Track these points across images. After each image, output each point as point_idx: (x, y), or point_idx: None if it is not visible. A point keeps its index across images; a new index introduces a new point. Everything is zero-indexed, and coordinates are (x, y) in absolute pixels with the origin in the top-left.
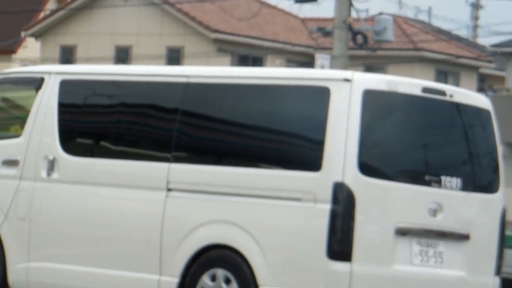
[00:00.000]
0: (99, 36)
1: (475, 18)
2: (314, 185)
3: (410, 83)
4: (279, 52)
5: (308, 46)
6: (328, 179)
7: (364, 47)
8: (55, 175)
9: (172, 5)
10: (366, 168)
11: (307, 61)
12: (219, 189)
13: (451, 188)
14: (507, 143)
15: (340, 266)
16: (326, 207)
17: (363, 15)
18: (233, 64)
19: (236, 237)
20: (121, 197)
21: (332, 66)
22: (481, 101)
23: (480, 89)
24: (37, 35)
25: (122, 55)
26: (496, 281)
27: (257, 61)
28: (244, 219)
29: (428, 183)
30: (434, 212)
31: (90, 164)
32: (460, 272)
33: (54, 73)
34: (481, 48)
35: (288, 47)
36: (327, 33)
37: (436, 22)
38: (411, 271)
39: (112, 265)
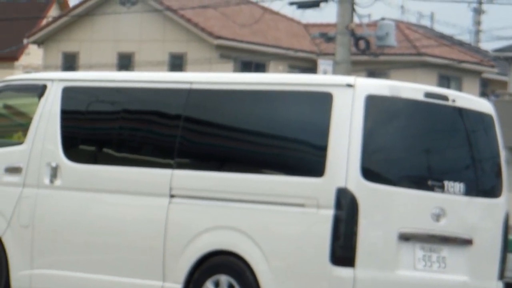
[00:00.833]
0: (101, 43)
1: (478, 23)
2: (317, 191)
3: (412, 88)
4: (281, 58)
5: (311, 52)
6: (331, 184)
7: (366, 53)
8: (58, 182)
9: (174, 11)
10: (369, 173)
11: (310, 67)
12: (222, 195)
13: (454, 193)
14: (509, 148)
15: (343, 272)
16: (329, 213)
17: (365, 20)
18: (236, 70)
19: (239, 243)
20: (124, 203)
21: (335, 71)
22: (484, 106)
23: (483, 94)
24: (40, 42)
25: (125, 62)
26: (499, 285)
27: (260, 67)
28: (247, 225)
29: (431, 188)
30: (437, 217)
31: (93, 171)
32: (463, 277)
33: (57, 80)
34: (484, 53)
35: (291, 53)
36: (329, 39)
37: (438, 27)
38: (414, 276)
39: (115, 272)
